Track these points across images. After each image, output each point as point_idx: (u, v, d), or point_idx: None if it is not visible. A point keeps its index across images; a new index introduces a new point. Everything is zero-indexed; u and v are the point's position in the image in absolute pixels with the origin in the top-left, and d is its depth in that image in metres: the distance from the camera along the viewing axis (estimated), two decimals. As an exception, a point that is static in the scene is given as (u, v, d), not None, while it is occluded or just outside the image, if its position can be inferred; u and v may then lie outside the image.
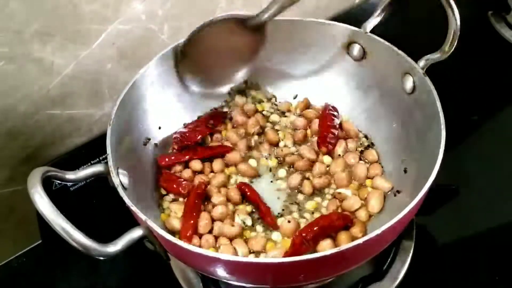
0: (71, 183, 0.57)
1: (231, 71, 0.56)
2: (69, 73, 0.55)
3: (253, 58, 0.55)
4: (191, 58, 0.53)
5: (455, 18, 0.44)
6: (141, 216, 0.39)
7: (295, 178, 0.53)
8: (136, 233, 0.40)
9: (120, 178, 0.43)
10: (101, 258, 0.38)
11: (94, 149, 0.60)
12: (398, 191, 0.50)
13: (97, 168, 0.44)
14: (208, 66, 0.55)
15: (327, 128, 0.55)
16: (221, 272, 0.39)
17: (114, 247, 0.38)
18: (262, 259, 0.43)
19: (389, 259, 0.51)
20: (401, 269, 0.50)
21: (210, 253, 0.37)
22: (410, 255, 0.51)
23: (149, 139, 0.55)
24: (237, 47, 0.53)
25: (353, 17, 0.80)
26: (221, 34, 0.51)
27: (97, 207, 0.58)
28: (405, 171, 0.51)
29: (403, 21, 0.76)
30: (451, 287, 0.51)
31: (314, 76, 0.60)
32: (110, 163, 0.43)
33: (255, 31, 0.51)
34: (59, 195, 0.56)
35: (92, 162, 0.59)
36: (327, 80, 0.60)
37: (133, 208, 0.40)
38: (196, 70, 0.54)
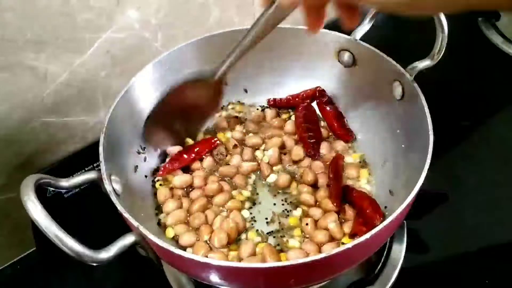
0: (65, 190, 0.58)
1: (196, 123, 0.59)
2: (63, 81, 0.55)
3: (214, 108, 0.57)
4: (159, 120, 0.54)
5: (442, 24, 0.45)
6: (133, 222, 0.40)
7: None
8: (128, 239, 0.40)
9: (113, 185, 0.44)
10: (94, 264, 0.38)
11: (88, 156, 0.60)
12: (390, 191, 0.51)
13: (90, 175, 0.44)
14: (174, 124, 0.57)
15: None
16: (213, 277, 0.40)
17: (107, 254, 0.38)
18: (252, 264, 0.43)
19: (380, 264, 0.51)
20: (392, 273, 0.51)
21: (202, 258, 0.38)
22: (401, 259, 0.51)
23: (145, 148, 0.55)
24: (200, 102, 0.54)
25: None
26: (184, 94, 0.53)
27: (91, 214, 0.58)
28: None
29: (392, 29, 0.77)
30: (442, 291, 0.52)
31: (306, 83, 0.61)
32: (103, 170, 0.44)
33: (216, 84, 0.52)
34: (53, 202, 0.57)
35: (86, 169, 0.60)
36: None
37: (126, 214, 0.40)
38: (163, 131, 0.56)
